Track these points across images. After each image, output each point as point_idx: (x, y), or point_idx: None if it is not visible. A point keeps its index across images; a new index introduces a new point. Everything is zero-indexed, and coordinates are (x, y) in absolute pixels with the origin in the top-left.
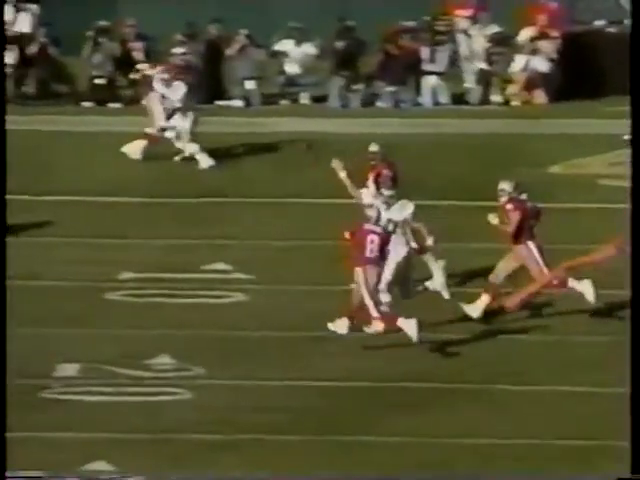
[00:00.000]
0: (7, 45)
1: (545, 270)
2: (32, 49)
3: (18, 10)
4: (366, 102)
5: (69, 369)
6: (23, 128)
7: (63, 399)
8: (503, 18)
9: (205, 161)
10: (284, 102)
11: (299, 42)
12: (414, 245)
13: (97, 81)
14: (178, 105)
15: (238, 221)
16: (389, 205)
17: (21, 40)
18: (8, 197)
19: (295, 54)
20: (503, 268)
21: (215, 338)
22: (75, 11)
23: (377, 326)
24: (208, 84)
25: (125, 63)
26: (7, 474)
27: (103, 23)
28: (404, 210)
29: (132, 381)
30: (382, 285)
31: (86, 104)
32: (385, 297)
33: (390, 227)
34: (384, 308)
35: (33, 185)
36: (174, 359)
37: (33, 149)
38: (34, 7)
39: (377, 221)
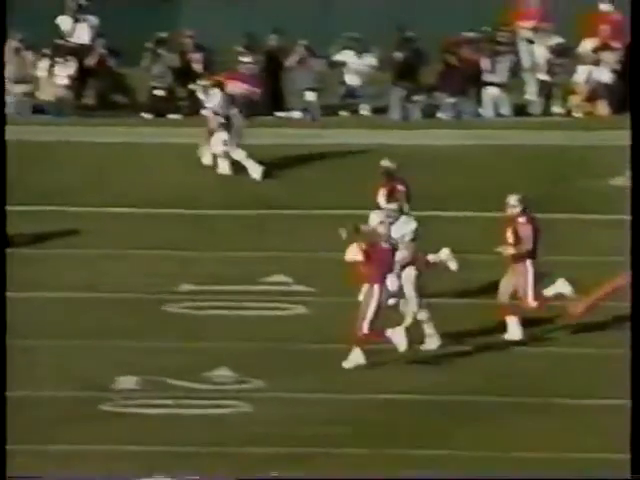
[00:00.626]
0: (67, 56)
1: (530, 293)
2: (91, 60)
3: (76, 21)
4: (427, 113)
5: (129, 382)
6: (82, 140)
7: (123, 412)
8: (565, 29)
9: (254, 169)
10: (344, 113)
11: (359, 53)
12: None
13: (156, 92)
14: (216, 111)
15: (298, 233)
16: (392, 220)
17: (80, 51)
18: (67, 209)
19: (355, 65)
20: (505, 286)
21: (275, 350)
22: (134, 22)
23: (432, 344)
24: (268, 95)
25: (184, 74)
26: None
27: (162, 34)
28: (404, 227)
29: (191, 394)
30: (414, 305)
31: (145, 115)
32: (424, 314)
33: (392, 242)
34: (427, 324)
35: (92, 197)
36: (233, 372)
37: (92, 161)
38: (92, 18)
39: (389, 237)
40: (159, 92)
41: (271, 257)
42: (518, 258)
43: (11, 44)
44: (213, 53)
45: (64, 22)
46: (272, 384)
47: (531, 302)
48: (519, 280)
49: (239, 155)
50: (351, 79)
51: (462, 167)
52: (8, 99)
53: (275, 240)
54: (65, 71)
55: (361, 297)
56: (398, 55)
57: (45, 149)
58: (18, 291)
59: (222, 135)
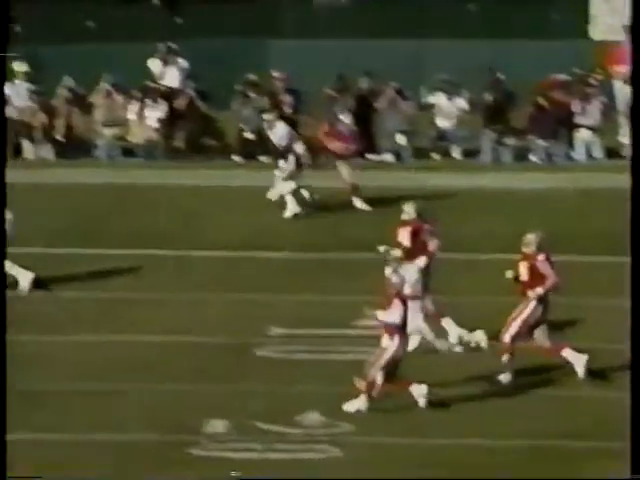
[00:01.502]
0: (157, 99)
1: (510, 331)
2: (181, 103)
3: (166, 64)
4: (518, 156)
5: (218, 425)
6: (172, 182)
7: (212, 456)
8: None
9: (290, 207)
10: (435, 156)
11: (450, 95)
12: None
13: (246, 135)
14: (284, 143)
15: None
16: (395, 266)
17: (170, 94)
18: (157, 252)
19: (446, 107)
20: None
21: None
22: (223, 64)
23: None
24: (359, 138)
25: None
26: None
27: (252, 76)
28: (406, 271)
29: (281, 438)
30: (440, 343)
31: (236, 158)
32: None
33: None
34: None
35: (182, 240)
36: (323, 415)
37: (182, 204)
38: (182, 61)
39: (402, 286)
40: (249, 135)
41: (361, 300)
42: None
43: (102, 87)
44: (303, 95)
45: (154, 65)
46: (362, 428)
47: (505, 338)
48: (515, 312)
49: (285, 188)
50: (442, 121)
51: (553, 210)
52: (99, 142)
53: (366, 283)
54: (155, 114)
55: (384, 344)
56: (488, 97)
57: (135, 192)
58: (112, 333)
59: (283, 166)
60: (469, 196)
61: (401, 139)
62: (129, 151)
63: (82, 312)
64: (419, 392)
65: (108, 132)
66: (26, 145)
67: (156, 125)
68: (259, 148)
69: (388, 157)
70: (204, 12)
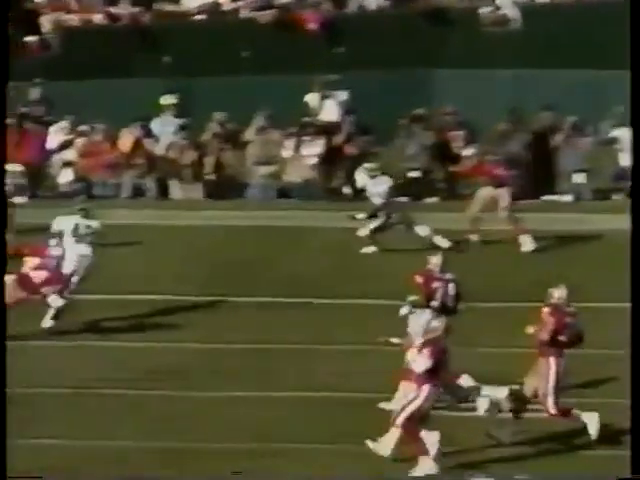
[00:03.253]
0: (314, 135)
1: (550, 399)
2: (339, 139)
3: (324, 97)
4: None
5: None
6: (331, 224)
7: None
8: None
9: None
10: (616, 196)
11: None
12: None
13: (411, 173)
14: (380, 200)
15: None
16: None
17: (328, 129)
18: (314, 301)
19: (629, 142)
20: (529, 383)
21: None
22: (386, 97)
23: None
24: (534, 178)
25: (442, 153)
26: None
27: (419, 110)
28: (419, 319)
29: None
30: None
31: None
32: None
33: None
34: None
35: (340, 288)
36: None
37: (343, 248)
38: (341, 94)
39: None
40: (414, 173)
41: (525, 354)
42: (543, 352)
43: (256, 122)
44: (475, 131)
45: (312, 99)
46: None
47: (550, 409)
48: (541, 379)
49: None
50: (626, 158)
51: None
52: (252, 182)
53: (521, 335)
54: (313, 151)
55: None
56: None
57: (290, 235)
58: (256, 389)
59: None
60: None
61: (579, 178)
62: (284, 191)
63: (226, 365)
64: (431, 440)
65: (262, 170)
66: (174, 184)
67: (313, 163)
68: (425, 188)
69: (566, 198)
70: (366, 41)
